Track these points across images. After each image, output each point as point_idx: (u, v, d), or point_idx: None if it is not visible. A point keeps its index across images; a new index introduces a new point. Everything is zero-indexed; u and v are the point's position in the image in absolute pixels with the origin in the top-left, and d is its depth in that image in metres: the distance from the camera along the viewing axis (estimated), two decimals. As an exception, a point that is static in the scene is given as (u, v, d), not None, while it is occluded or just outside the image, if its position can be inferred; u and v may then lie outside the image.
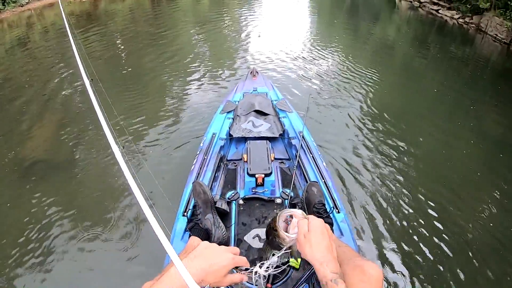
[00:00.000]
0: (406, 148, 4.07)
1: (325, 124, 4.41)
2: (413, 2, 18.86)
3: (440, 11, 15.48)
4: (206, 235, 1.72)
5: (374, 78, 6.29)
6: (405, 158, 3.88)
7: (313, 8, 15.29)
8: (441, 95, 5.91)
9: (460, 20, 13.58)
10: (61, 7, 4.88)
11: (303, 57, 7.14)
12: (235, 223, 1.93)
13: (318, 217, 1.04)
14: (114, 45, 8.32)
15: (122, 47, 8.07)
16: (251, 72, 3.90)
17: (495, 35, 11.21)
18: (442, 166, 3.90)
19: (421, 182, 3.52)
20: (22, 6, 14.06)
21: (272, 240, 1.02)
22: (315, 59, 7.10)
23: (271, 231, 1.00)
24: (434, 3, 16.58)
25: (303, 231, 0.93)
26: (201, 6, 14.16)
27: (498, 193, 3.49)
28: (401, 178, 3.52)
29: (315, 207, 1.83)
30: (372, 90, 5.68)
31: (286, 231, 0.96)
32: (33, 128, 4.64)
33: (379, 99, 5.43)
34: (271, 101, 3.32)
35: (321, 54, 7.50)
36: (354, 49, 8.47)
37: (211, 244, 0.84)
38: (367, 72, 6.54)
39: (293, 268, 1.62)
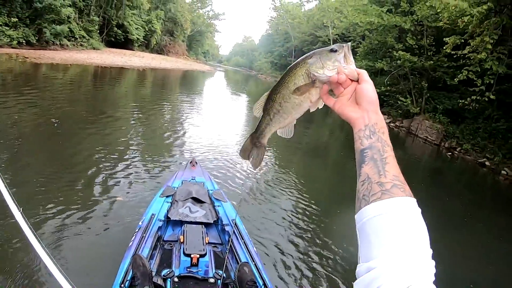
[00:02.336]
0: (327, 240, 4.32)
1: (257, 213, 4.61)
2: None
3: None
4: None
5: (303, 177, 6.64)
6: (328, 246, 4.15)
7: (250, 106, 15.52)
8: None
9: (391, 124, 14.77)
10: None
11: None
12: None
13: None
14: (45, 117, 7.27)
15: (54, 119, 7.02)
16: (191, 162, 4.11)
17: (425, 137, 12.35)
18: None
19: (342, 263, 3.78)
20: None
21: None
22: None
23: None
24: (366, 109, 18.09)
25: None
26: (144, 90, 14.16)
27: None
28: (328, 259, 3.81)
29: (247, 285, 1.90)
30: (300, 189, 5.95)
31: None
32: None
33: (305, 196, 5.67)
34: (208, 190, 3.49)
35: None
36: (288, 149, 8.73)
37: None
38: (298, 171, 6.92)
39: None
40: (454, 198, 7.14)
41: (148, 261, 2.25)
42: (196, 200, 3.14)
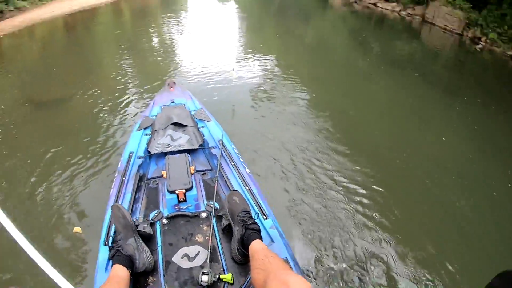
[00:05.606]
0: (348, 151, 3.93)
1: (249, 130, 4.25)
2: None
3: (378, 4, 14.28)
4: (130, 262, 1.59)
5: (307, 81, 5.99)
6: (343, 159, 3.78)
7: (240, 13, 14.31)
8: (392, 97, 5.62)
9: (402, 12, 12.42)
10: None
11: (226, 64, 6.85)
12: (161, 244, 1.84)
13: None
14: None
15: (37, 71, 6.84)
16: (168, 84, 3.82)
17: (444, 26, 10.17)
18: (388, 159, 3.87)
19: (356, 182, 3.42)
20: None
21: None
22: (241, 65, 6.82)
23: None
24: (371, -4, 15.29)
25: None
26: (121, 25, 12.56)
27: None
28: (335, 178, 3.45)
29: (239, 216, 1.73)
30: (303, 93, 5.42)
31: None
32: None
33: (312, 100, 5.18)
34: (190, 111, 3.20)
35: (247, 60, 7.17)
36: (284, 53, 8.04)
37: None
38: (299, 75, 6.17)
39: (227, 283, 1.55)
40: (476, 87, 6.35)
41: (133, 206, 2.11)
42: (178, 126, 2.89)
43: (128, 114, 4.77)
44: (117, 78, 6.16)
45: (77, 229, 2.76)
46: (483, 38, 9.36)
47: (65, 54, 8.38)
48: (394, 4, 13.01)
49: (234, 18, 13.32)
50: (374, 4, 14.25)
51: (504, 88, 6.45)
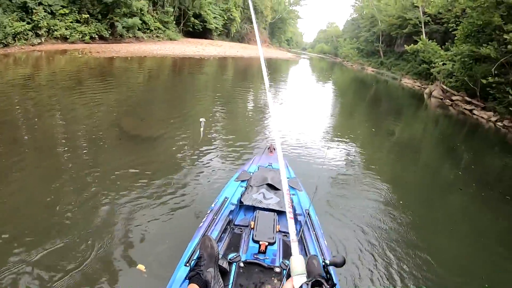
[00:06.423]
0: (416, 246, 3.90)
1: (333, 207, 4.45)
2: (444, 100, 17.39)
3: (474, 111, 13.89)
4: (205, 286, 1.77)
5: (386, 176, 6.02)
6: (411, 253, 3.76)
7: (335, 94, 15.08)
8: (480, 222, 5.06)
9: (498, 123, 11.88)
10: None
11: (319, 142, 7.29)
12: (232, 283, 2.00)
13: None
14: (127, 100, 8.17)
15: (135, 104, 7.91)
16: (269, 148, 4.13)
17: None
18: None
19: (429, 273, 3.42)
20: (32, 46, 14.06)
21: None
22: (330, 146, 7.20)
23: None
24: (467, 102, 14.98)
25: None
26: (224, 79, 14.18)
27: None
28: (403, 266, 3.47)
29: (315, 278, 1.77)
30: (384, 189, 5.41)
31: None
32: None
33: (389, 197, 5.18)
34: None
35: (338, 143, 7.45)
36: (372, 143, 8.24)
37: None
38: (381, 169, 6.30)
39: None
40: None
41: (217, 244, 2.20)
42: (271, 187, 3.13)
43: (221, 166, 5.12)
44: (212, 129, 6.73)
45: (141, 267, 2.84)
46: None
47: (166, 92, 9.59)
48: (491, 113, 12.65)
49: (329, 98, 13.98)
50: (470, 111, 13.94)
51: None
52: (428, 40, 22.70)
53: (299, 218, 2.83)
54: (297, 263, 1.60)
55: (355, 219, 4.26)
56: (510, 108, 11.36)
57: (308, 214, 2.84)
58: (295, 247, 1.75)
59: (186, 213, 3.71)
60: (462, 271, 3.81)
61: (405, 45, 27.20)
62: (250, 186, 3.15)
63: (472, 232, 4.68)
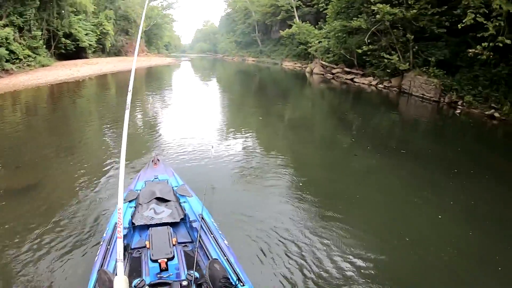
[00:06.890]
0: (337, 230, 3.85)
1: (226, 204, 4.37)
2: (326, 75, 19.15)
3: (355, 79, 15.52)
4: None
5: (283, 160, 6.03)
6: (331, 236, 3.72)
7: (221, 91, 15.14)
8: (382, 179, 5.45)
9: (379, 85, 13.50)
10: None
11: (206, 143, 6.97)
12: None
13: None
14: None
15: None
16: (152, 160, 4.07)
17: (422, 95, 11.10)
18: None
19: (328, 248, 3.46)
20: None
21: None
22: (216, 144, 6.97)
23: None
24: (347, 72, 16.76)
25: None
26: (102, 99, 12.89)
27: None
28: (319, 256, 3.37)
29: (221, 282, 1.88)
30: (282, 172, 5.43)
31: None
32: None
33: (289, 179, 5.19)
34: (172, 187, 3.47)
35: (227, 139, 7.39)
36: (265, 132, 8.21)
37: None
38: (277, 154, 6.31)
39: None
40: (463, 155, 6.53)
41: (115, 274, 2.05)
42: (161, 200, 3.15)
43: (112, 187, 4.78)
44: (99, 153, 6.35)
45: None
46: (460, 102, 10.15)
47: (46, 126, 8.61)
48: (371, 78, 14.14)
49: (215, 96, 13.89)
50: (351, 80, 15.53)
51: (491, 152, 6.74)
52: (302, 23, 24.51)
53: (194, 224, 2.83)
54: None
55: (257, 210, 4.20)
56: (387, 70, 12.99)
57: (202, 218, 2.85)
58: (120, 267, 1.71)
59: (79, 253, 3.34)
60: (377, 229, 3.94)
61: (280, 31, 28.97)
62: (140, 204, 3.12)
63: (378, 190, 4.91)
